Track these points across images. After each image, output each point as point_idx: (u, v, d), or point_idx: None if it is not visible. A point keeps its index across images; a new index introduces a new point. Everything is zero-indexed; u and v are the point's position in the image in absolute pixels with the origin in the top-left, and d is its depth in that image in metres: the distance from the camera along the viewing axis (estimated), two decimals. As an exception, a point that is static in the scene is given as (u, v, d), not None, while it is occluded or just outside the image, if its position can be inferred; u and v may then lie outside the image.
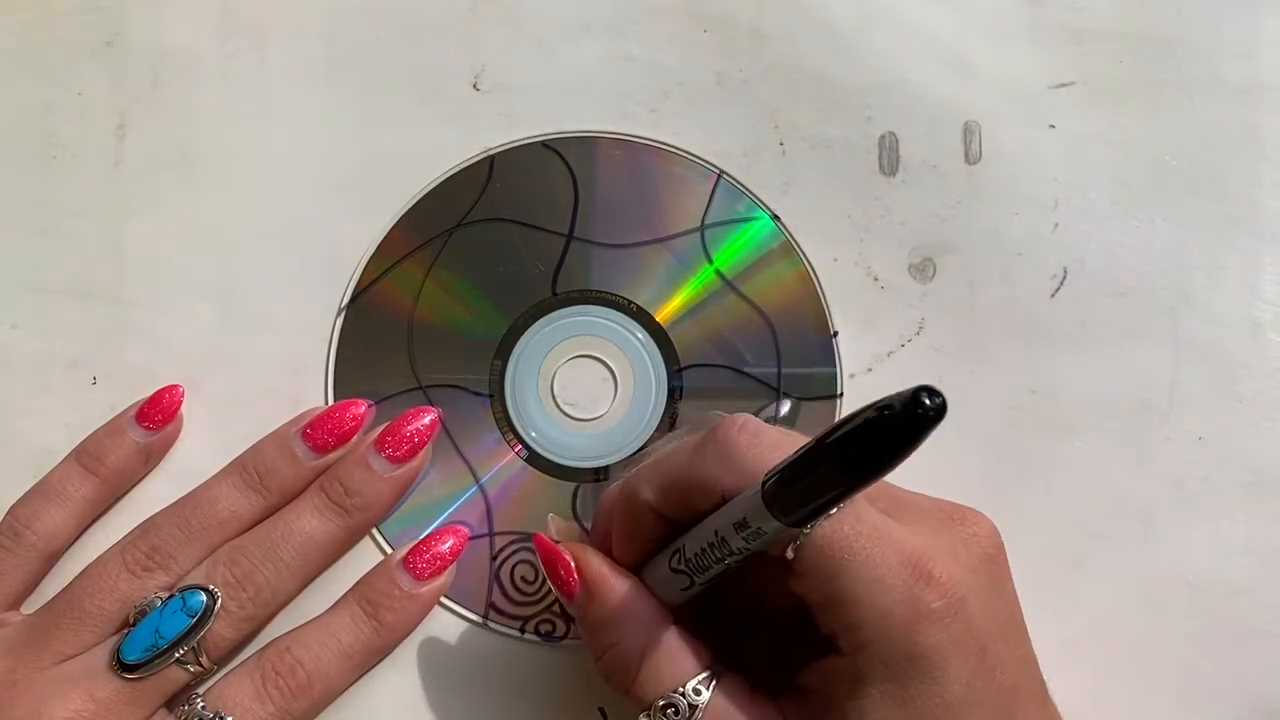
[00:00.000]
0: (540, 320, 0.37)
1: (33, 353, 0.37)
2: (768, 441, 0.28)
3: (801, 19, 0.39)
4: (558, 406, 0.37)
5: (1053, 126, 0.38)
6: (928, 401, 0.22)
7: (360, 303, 0.37)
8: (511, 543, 0.36)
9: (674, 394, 0.37)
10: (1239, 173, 0.38)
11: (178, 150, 0.38)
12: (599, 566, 0.30)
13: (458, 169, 0.38)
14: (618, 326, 0.37)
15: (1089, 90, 0.38)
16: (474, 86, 0.38)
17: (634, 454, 0.36)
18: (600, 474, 0.36)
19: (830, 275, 0.37)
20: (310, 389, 0.37)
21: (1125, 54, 0.39)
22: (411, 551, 0.34)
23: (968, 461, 0.36)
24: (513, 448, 0.36)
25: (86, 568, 0.33)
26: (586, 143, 0.38)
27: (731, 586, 0.30)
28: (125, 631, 0.32)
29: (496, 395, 0.37)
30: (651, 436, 0.36)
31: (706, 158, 0.38)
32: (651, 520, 0.30)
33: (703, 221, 0.38)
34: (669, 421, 0.37)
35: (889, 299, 0.37)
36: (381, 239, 0.37)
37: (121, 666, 0.31)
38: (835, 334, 0.37)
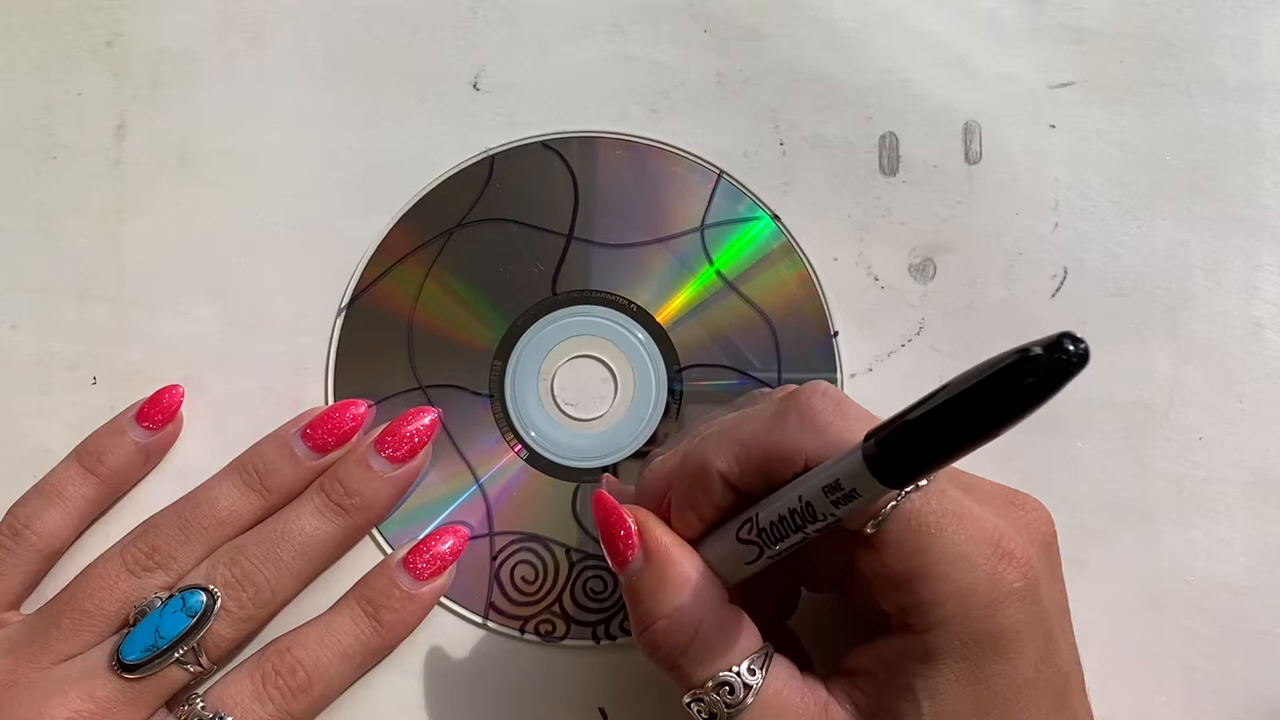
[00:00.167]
0: (540, 320, 0.37)
1: (33, 353, 0.37)
2: (853, 409, 0.28)
3: (801, 19, 0.39)
4: (558, 406, 0.37)
5: (1053, 126, 0.38)
6: (1071, 347, 0.21)
7: (360, 303, 0.37)
8: (511, 543, 0.36)
9: (674, 394, 0.37)
10: (1239, 173, 0.38)
11: (178, 150, 0.38)
12: (662, 535, 0.29)
13: (458, 169, 0.38)
14: (618, 326, 0.37)
15: (1089, 90, 0.38)
16: (474, 86, 0.38)
17: (635, 454, 0.36)
18: (601, 474, 0.36)
19: (830, 275, 0.37)
20: (310, 389, 0.37)
21: (1125, 54, 0.39)
22: (411, 551, 0.34)
23: (968, 461, 0.36)
24: (513, 448, 0.36)
25: (86, 568, 0.33)
26: (586, 143, 0.38)
27: (782, 571, 0.30)
28: (125, 631, 0.32)
29: (496, 395, 0.37)
30: (652, 436, 0.37)
31: (706, 158, 0.38)
32: (721, 490, 0.29)
33: (703, 221, 0.38)
34: (675, 419, 0.37)
35: (889, 299, 0.37)
36: (381, 239, 0.37)
37: (121, 666, 0.31)
38: (835, 334, 0.37)
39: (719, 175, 0.38)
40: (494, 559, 0.36)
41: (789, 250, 0.38)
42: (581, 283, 0.37)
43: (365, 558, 0.35)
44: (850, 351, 0.37)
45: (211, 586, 0.32)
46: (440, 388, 0.37)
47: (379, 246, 0.37)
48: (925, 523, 0.27)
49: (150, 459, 0.36)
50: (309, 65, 0.38)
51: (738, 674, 0.28)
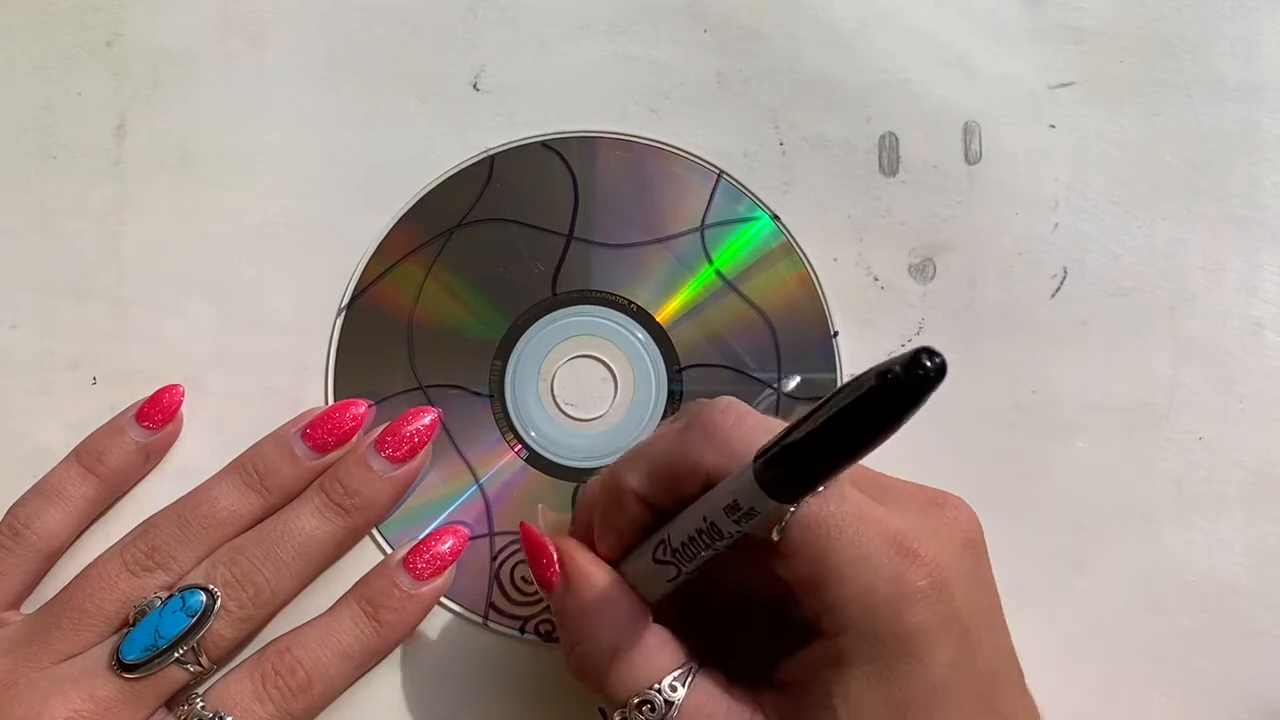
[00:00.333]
0: (540, 320, 0.37)
1: (33, 353, 0.37)
2: (753, 422, 0.28)
3: (801, 19, 0.39)
4: (558, 406, 0.37)
5: (1053, 126, 0.38)
6: (928, 363, 0.22)
7: (360, 303, 0.37)
8: (511, 543, 0.36)
9: (674, 394, 0.37)
10: (1239, 173, 0.38)
11: (178, 150, 0.38)
12: (579, 559, 0.30)
13: (458, 169, 0.38)
14: (618, 326, 0.37)
15: (1089, 90, 0.38)
16: (474, 86, 0.38)
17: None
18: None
19: (830, 275, 0.37)
20: (310, 389, 0.37)
21: (1125, 54, 0.39)
22: (411, 551, 0.34)
23: (968, 461, 0.36)
24: (513, 448, 0.36)
25: (86, 568, 0.33)
26: (586, 143, 0.38)
27: (712, 581, 0.30)
28: (125, 631, 0.32)
29: (496, 395, 0.37)
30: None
31: (706, 158, 0.38)
32: (636, 507, 0.30)
33: (703, 221, 0.38)
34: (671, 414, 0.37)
35: (889, 299, 0.37)
36: (381, 239, 0.37)
37: (121, 666, 0.31)
38: (835, 334, 0.37)
39: (719, 175, 0.38)
40: (494, 559, 0.36)
41: (789, 250, 0.38)
42: (581, 283, 0.37)
43: (365, 558, 0.35)
44: (850, 351, 0.37)
45: (211, 586, 0.32)
46: (440, 388, 0.37)
47: (379, 246, 0.37)
48: (825, 527, 0.27)
49: (150, 459, 0.36)
50: (309, 65, 0.38)
51: (659, 691, 0.28)
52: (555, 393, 0.37)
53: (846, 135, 0.38)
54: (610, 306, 0.37)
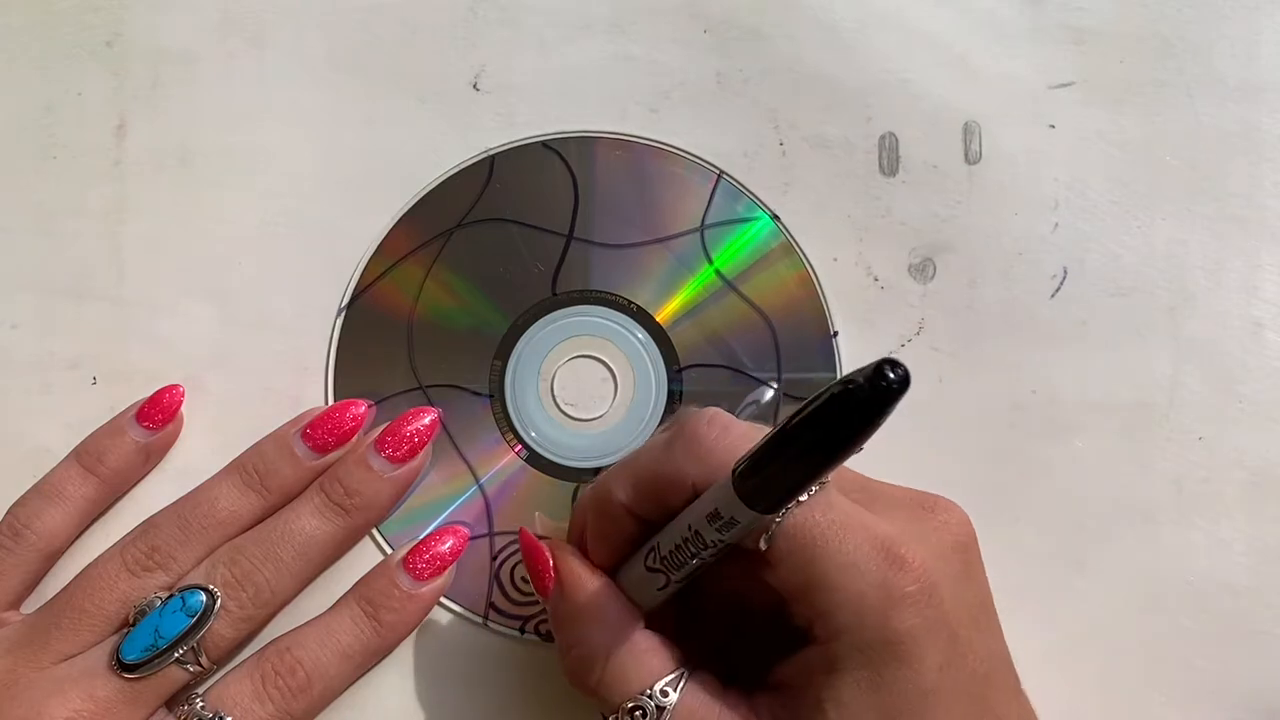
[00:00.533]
0: (540, 320, 0.37)
1: (33, 353, 0.37)
2: (736, 433, 0.29)
3: (801, 19, 0.39)
4: (558, 406, 0.37)
5: (1053, 126, 0.38)
6: (891, 374, 0.22)
7: (360, 303, 0.37)
8: (511, 543, 0.36)
9: (674, 394, 0.37)
10: (1239, 173, 0.38)
11: (178, 150, 0.38)
12: (573, 564, 0.31)
13: (458, 169, 0.38)
14: (618, 326, 0.37)
15: (1089, 90, 0.38)
16: (474, 86, 0.38)
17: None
18: (601, 473, 0.36)
19: (830, 275, 0.37)
20: (310, 389, 0.37)
21: (1125, 54, 0.39)
22: (411, 551, 0.34)
23: (968, 461, 0.36)
24: (513, 448, 0.36)
25: (86, 568, 0.33)
26: (586, 143, 0.38)
27: (708, 586, 0.30)
28: (125, 631, 0.32)
29: (496, 395, 0.37)
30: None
31: (706, 158, 0.38)
32: (625, 519, 0.30)
33: (703, 222, 0.38)
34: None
35: (889, 299, 0.37)
36: (381, 239, 0.37)
37: (121, 666, 0.31)
38: (835, 334, 0.37)
39: (719, 175, 0.38)
40: (494, 559, 0.36)
41: (789, 250, 0.38)
42: (581, 283, 0.37)
43: (365, 558, 0.35)
44: (850, 351, 0.37)
45: (211, 586, 0.32)
46: (440, 388, 0.37)
47: (379, 246, 0.37)
48: (811, 535, 0.27)
49: (150, 459, 0.36)
50: (309, 65, 0.38)
51: (650, 697, 0.29)
52: (555, 393, 0.37)
53: (846, 135, 0.38)
54: (610, 306, 0.37)
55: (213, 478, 0.35)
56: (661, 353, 0.37)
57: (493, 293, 0.37)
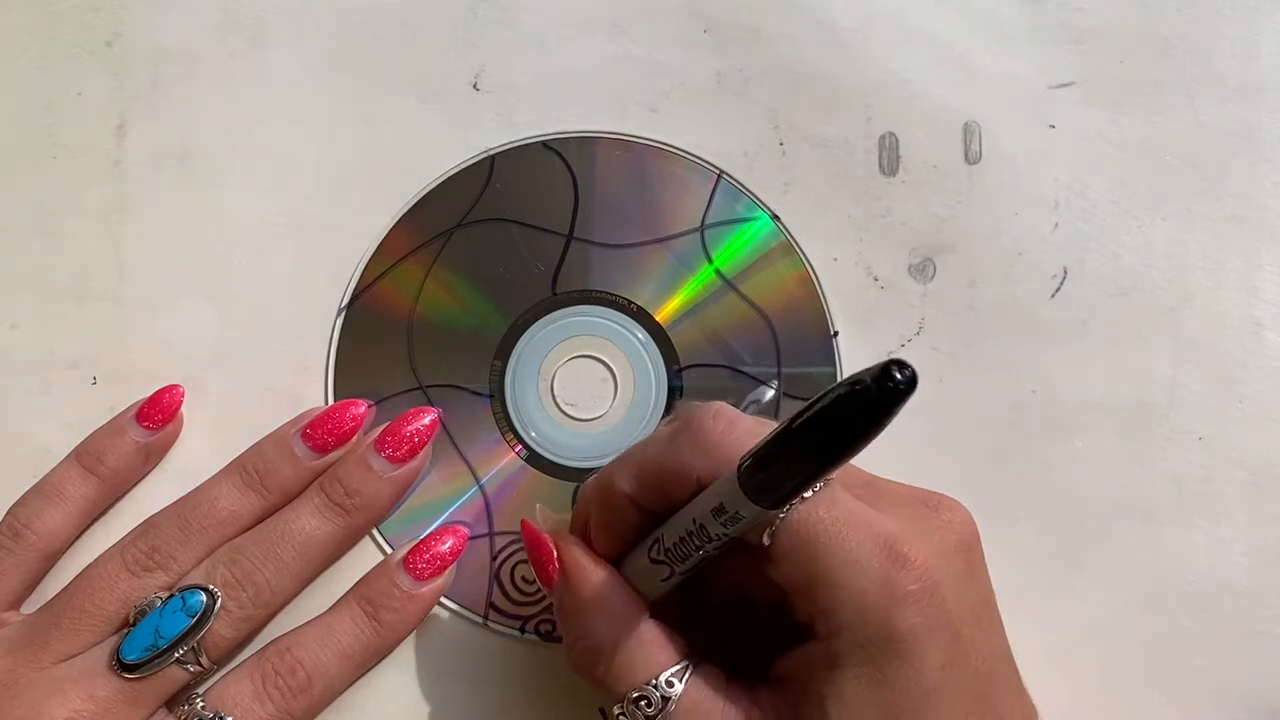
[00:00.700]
0: (540, 320, 0.37)
1: (33, 353, 0.37)
2: (742, 428, 0.29)
3: (801, 19, 0.39)
4: (558, 406, 0.37)
5: (1053, 126, 0.38)
6: (898, 375, 0.22)
7: (360, 303, 0.37)
8: (511, 543, 0.36)
9: (674, 394, 0.37)
10: (1239, 173, 0.38)
11: (178, 150, 0.38)
12: (577, 556, 0.31)
13: (458, 169, 0.38)
14: (618, 326, 0.37)
15: (1089, 90, 0.38)
16: (474, 86, 0.38)
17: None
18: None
19: (830, 275, 0.37)
20: (310, 389, 0.37)
21: (1125, 54, 0.39)
22: (411, 551, 0.34)
23: (967, 461, 0.36)
24: (513, 448, 0.36)
25: (86, 568, 0.33)
26: (586, 143, 0.38)
27: (712, 578, 0.30)
28: (125, 631, 0.32)
29: (496, 395, 0.37)
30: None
31: (706, 158, 0.38)
32: (628, 511, 0.30)
33: (703, 221, 0.38)
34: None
35: (889, 299, 0.37)
36: (381, 239, 0.37)
37: (121, 666, 0.31)
38: (835, 334, 0.37)
39: (719, 175, 0.38)
40: (494, 559, 0.36)
41: (789, 250, 0.38)
42: (581, 283, 0.37)
43: (365, 558, 0.35)
44: (850, 351, 0.37)
45: (211, 586, 0.32)
46: (440, 388, 0.37)
47: (379, 246, 0.37)
48: (814, 531, 0.27)
49: (150, 459, 0.36)
50: (309, 65, 0.38)
51: (655, 687, 0.29)
52: (555, 393, 0.37)
53: (846, 135, 0.38)
54: (610, 306, 0.37)
55: (213, 478, 0.35)
56: (661, 352, 0.37)
57: (493, 293, 0.37)
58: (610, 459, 0.36)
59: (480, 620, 0.35)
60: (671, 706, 0.28)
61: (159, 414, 0.35)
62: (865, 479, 0.30)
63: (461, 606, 0.35)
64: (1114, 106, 0.38)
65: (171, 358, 0.37)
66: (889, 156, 0.38)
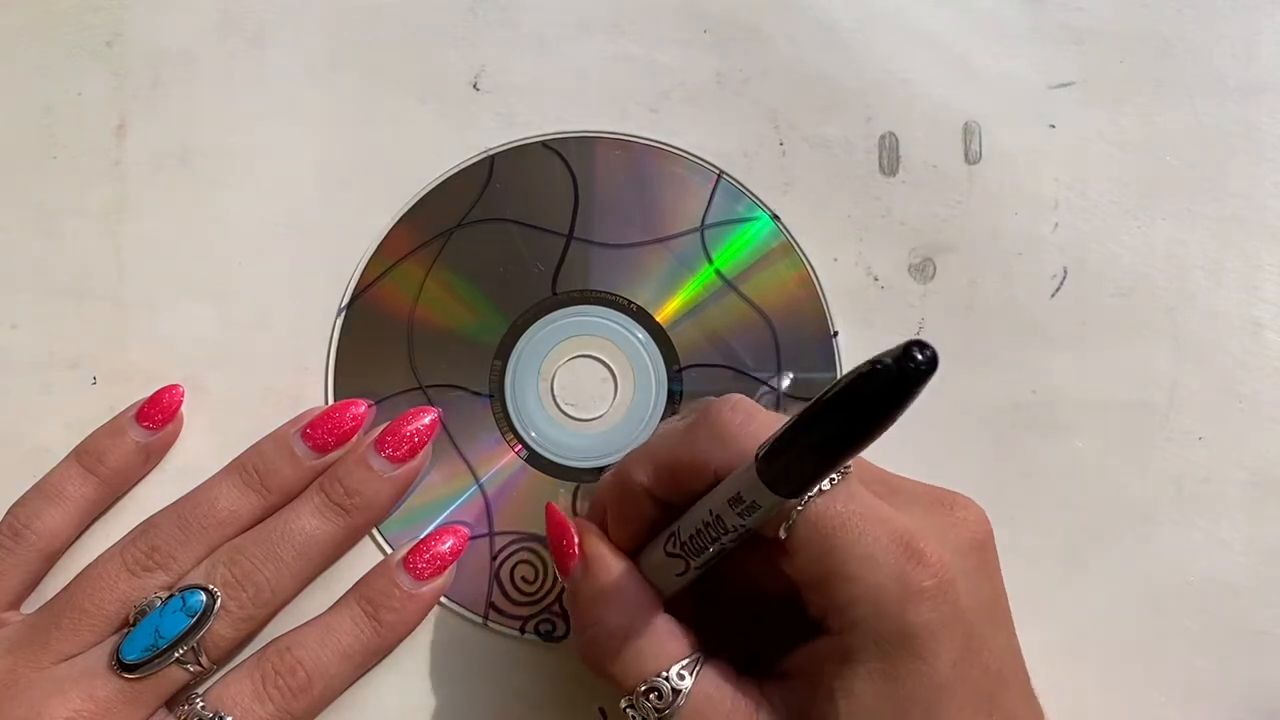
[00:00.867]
0: (540, 320, 0.37)
1: (33, 353, 0.37)
2: (760, 420, 0.29)
3: (801, 19, 0.39)
4: (558, 406, 0.37)
5: (1053, 126, 0.38)
6: (919, 355, 0.22)
7: (360, 303, 0.37)
8: (511, 543, 0.36)
9: (674, 394, 0.37)
10: (1239, 173, 0.38)
11: (178, 150, 0.38)
12: (597, 544, 0.31)
13: (458, 169, 0.38)
14: (618, 326, 0.37)
15: (1089, 90, 0.38)
16: (474, 86, 0.38)
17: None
18: (601, 473, 0.36)
19: (830, 275, 0.37)
20: (310, 389, 0.37)
21: (1125, 54, 0.39)
22: (411, 551, 0.34)
23: (968, 461, 0.36)
24: (513, 448, 0.36)
25: (86, 568, 0.33)
26: (586, 143, 0.38)
27: (725, 573, 0.30)
28: (125, 631, 0.32)
29: (496, 395, 0.37)
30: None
31: (706, 158, 0.38)
32: (645, 503, 0.30)
33: (703, 221, 0.38)
34: (671, 412, 0.37)
35: (889, 299, 0.37)
36: (381, 239, 0.37)
37: (121, 666, 0.31)
38: (835, 334, 0.37)
39: (719, 175, 0.38)
40: (494, 559, 0.36)
41: (789, 250, 0.38)
42: (581, 283, 0.37)
43: (365, 558, 0.35)
44: (850, 351, 0.37)
45: (211, 586, 0.32)
46: (440, 388, 0.37)
47: (379, 246, 0.37)
48: (831, 525, 0.27)
49: (150, 459, 0.36)
50: (309, 65, 0.38)
51: (666, 679, 0.29)
52: (555, 393, 0.37)
53: (846, 135, 0.38)
54: (610, 306, 0.37)
55: (213, 478, 0.35)
56: (661, 352, 0.37)
57: (493, 293, 0.37)
58: (609, 460, 0.36)
59: (480, 620, 0.35)
60: (681, 699, 0.28)
61: (159, 414, 0.35)
62: (881, 476, 0.30)
63: (461, 606, 0.35)
64: (1114, 106, 0.38)
65: (171, 358, 0.37)
66: (889, 156, 0.38)
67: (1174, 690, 0.35)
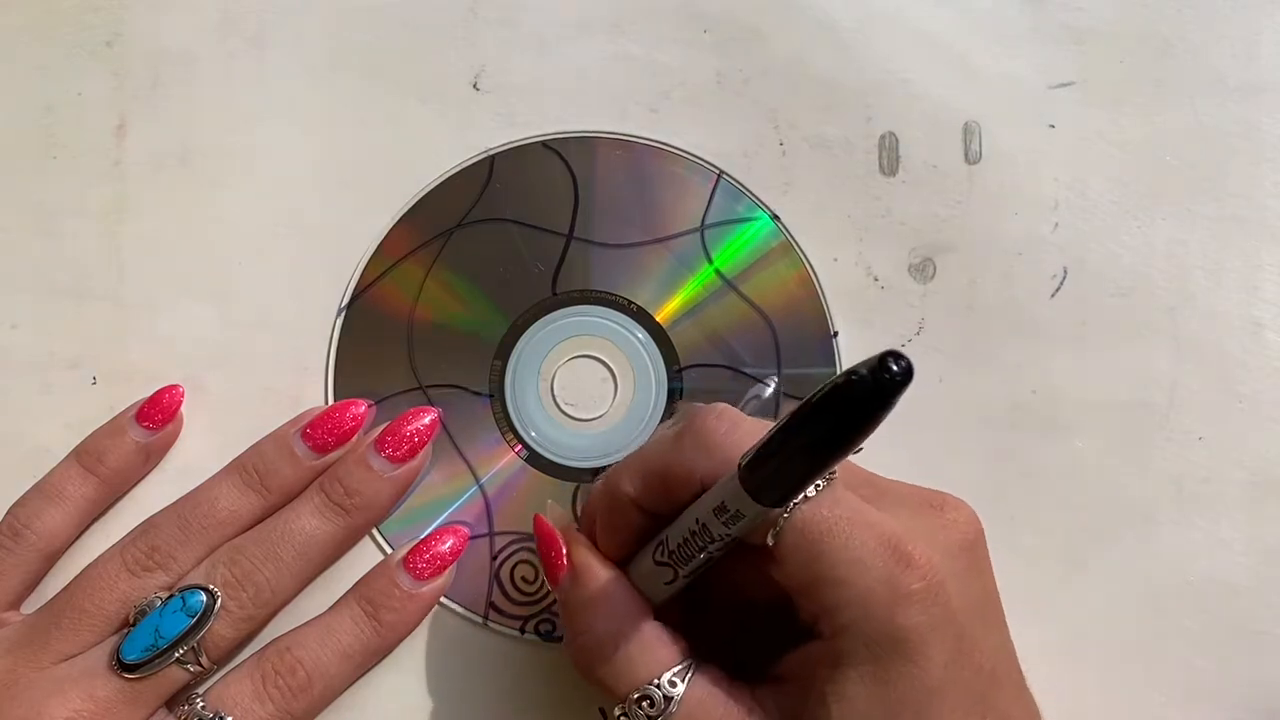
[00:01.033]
0: (540, 320, 0.37)
1: (33, 353, 0.37)
2: (745, 428, 0.29)
3: (801, 19, 0.39)
4: (558, 406, 0.37)
5: (1053, 126, 0.38)
6: (894, 366, 0.22)
7: (360, 303, 0.37)
8: (511, 543, 0.36)
9: (674, 394, 0.37)
10: (1239, 173, 0.38)
11: (178, 150, 0.38)
12: (585, 554, 0.31)
13: (458, 169, 0.38)
14: (618, 326, 0.37)
15: (1089, 90, 0.38)
16: (474, 86, 0.38)
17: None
18: (601, 473, 0.36)
19: (830, 275, 0.37)
20: (310, 389, 0.37)
21: (1125, 54, 0.39)
22: (411, 551, 0.34)
23: (968, 461, 0.36)
24: (513, 448, 0.36)
25: (86, 568, 0.33)
26: (586, 143, 0.38)
27: (714, 579, 0.30)
28: (125, 631, 0.32)
29: (496, 395, 0.37)
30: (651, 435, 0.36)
31: (706, 158, 0.38)
32: (633, 513, 0.30)
33: (702, 221, 0.38)
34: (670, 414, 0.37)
35: (889, 299, 0.37)
36: (381, 239, 0.37)
37: (121, 666, 0.31)
38: (835, 334, 0.37)
39: (719, 175, 0.38)
40: (494, 559, 0.36)
41: (789, 250, 0.38)
42: (581, 283, 0.37)
43: (365, 558, 0.35)
44: (850, 351, 0.37)
45: (211, 586, 0.32)
46: (440, 388, 0.37)
47: (379, 246, 0.37)
48: (818, 530, 0.27)
49: (150, 459, 0.36)
50: (309, 65, 0.38)
51: (658, 686, 0.29)
52: (555, 393, 0.37)
53: (846, 135, 0.38)
54: (610, 306, 0.37)
55: (213, 478, 0.35)
56: (661, 352, 0.37)
57: (493, 293, 0.37)
58: (609, 460, 0.36)
59: (480, 620, 0.35)
60: (673, 707, 0.28)
61: (159, 414, 0.35)
62: (867, 478, 0.30)
63: (461, 606, 0.35)
64: (1114, 106, 0.38)
65: (171, 358, 0.37)
66: (889, 156, 0.38)
67: (1174, 690, 0.35)
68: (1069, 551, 0.36)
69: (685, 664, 0.29)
